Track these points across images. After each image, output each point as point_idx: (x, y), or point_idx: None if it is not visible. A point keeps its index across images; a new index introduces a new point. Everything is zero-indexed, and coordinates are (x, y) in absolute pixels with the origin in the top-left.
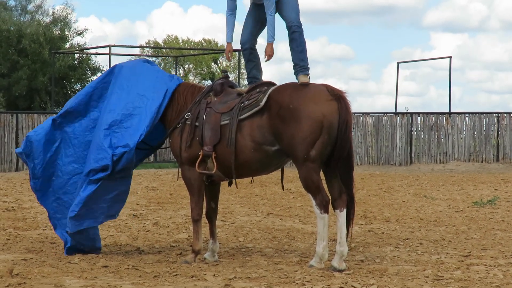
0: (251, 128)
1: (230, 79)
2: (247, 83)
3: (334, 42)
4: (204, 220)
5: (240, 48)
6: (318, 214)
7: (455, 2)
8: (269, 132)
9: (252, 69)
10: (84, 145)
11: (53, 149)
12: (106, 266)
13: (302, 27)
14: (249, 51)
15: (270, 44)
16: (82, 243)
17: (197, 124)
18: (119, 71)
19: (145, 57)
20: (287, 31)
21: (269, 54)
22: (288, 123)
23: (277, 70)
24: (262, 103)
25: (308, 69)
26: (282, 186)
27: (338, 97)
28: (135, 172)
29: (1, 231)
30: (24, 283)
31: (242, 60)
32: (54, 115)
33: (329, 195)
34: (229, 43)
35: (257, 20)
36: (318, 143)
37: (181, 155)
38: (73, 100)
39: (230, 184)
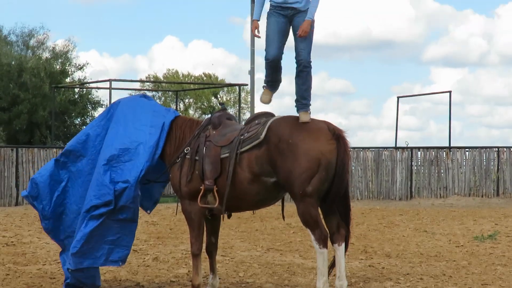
0: (250, 160)
1: (231, 112)
2: (264, 85)
3: (335, 77)
4: (204, 255)
5: (238, 83)
6: (317, 249)
7: (455, 36)
8: (267, 163)
9: (278, 75)
10: (88, 184)
11: (60, 189)
12: None
13: (311, 64)
14: (277, 63)
15: (308, 21)
16: (82, 281)
17: (197, 158)
18: (116, 107)
19: (145, 92)
20: (295, 64)
21: (305, 30)
22: (286, 157)
23: (277, 104)
24: (262, 136)
25: (309, 105)
26: (283, 217)
27: (337, 137)
28: None
29: (0, 266)
30: None
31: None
32: (57, 156)
33: (327, 229)
34: (256, 20)
35: (282, 33)
36: (315, 179)
37: (181, 189)
38: (73, 141)
39: (229, 217)
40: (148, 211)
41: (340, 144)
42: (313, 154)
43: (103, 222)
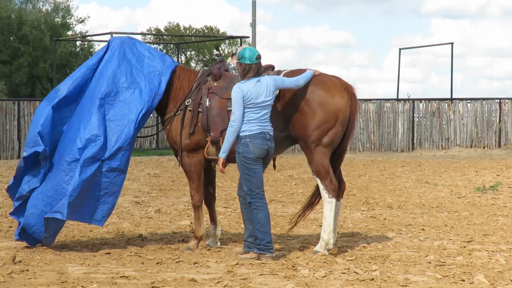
0: None
1: (231, 66)
2: None
3: (335, 29)
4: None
5: (240, 36)
6: (325, 198)
7: None
8: (280, 119)
9: None
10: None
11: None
12: (109, 253)
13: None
14: None
15: (221, 159)
16: (39, 233)
17: (200, 110)
18: (113, 45)
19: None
20: None
21: (220, 170)
22: (303, 112)
23: (278, 57)
24: (277, 91)
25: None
26: (274, 166)
27: (350, 93)
28: (137, 159)
29: (3, 219)
30: (27, 270)
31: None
32: (51, 102)
33: (336, 180)
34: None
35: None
36: (332, 132)
37: (182, 142)
38: (69, 83)
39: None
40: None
41: (352, 100)
42: (331, 109)
43: (95, 172)
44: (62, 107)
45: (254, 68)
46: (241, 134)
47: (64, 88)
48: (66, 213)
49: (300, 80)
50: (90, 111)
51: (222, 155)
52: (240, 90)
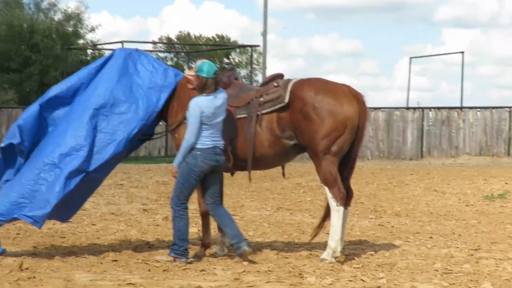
0: (271, 122)
1: (241, 74)
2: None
3: (346, 38)
4: None
5: (250, 44)
6: (333, 207)
7: None
8: (289, 127)
9: None
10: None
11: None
12: (116, 260)
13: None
14: None
15: (173, 167)
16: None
17: None
18: (112, 57)
19: (157, 53)
20: None
21: (172, 173)
22: (312, 120)
23: (289, 66)
24: (286, 100)
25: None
26: (283, 174)
27: (360, 102)
28: (146, 166)
29: (11, 226)
30: (34, 277)
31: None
32: (41, 101)
33: (344, 189)
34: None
35: None
36: (340, 140)
37: None
38: (63, 85)
39: (232, 174)
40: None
41: (361, 108)
42: (340, 118)
43: (78, 182)
44: (51, 106)
45: (212, 83)
46: (194, 146)
47: (56, 88)
48: (41, 224)
49: None
50: (81, 119)
51: (176, 164)
52: (198, 106)
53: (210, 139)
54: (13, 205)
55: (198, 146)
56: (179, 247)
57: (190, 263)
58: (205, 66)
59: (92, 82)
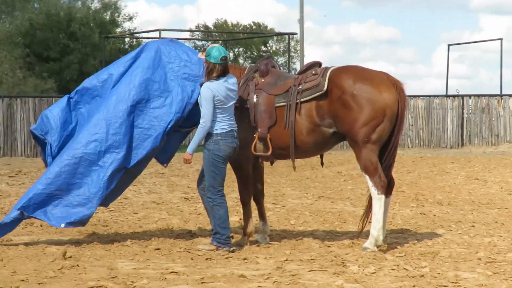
0: (310, 110)
1: (280, 62)
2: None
3: (382, 25)
4: (252, 202)
5: (288, 32)
6: (374, 195)
7: None
8: (328, 115)
9: None
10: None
11: (69, 130)
12: (158, 249)
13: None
14: None
15: (187, 154)
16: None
17: (247, 106)
18: (145, 49)
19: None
20: None
21: (186, 159)
22: (350, 108)
23: (326, 53)
24: (325, 88)
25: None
26: (322, 163)
27: (399, 89)
28: None
29: None
30: (77, 265)
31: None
32: (71, 93)
33: (384, 177)
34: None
35: None
36: (380, 128)
37: None
38: (93, 78)
39: (272, 163)
40: (165, 164)
41: (400, 96)
42: (379, 105)
43: (119, 178)
44: (83, 100)
45: (218, 69)
46: (213, 131)
47: (87, 81)
48: (86, 223)
49: None
50: (118, 115)
51: (190, 151)
52: (210, 89)
53: (226, 123)
54: (46, 197)
55: (217, 131)
56: (221, 235)
57: (233, 251)
58: (213, 51)
59: (126, 75)
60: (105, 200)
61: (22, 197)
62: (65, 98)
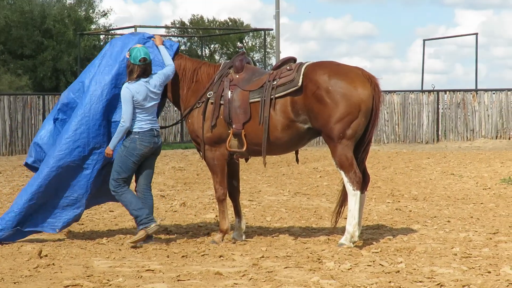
0: (285, 106)
1: (255, 58)
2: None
3: (358, 20)
4: (228, 199)
5: (264, 28)
6: (350, 191)
7: None
8: (303, 111)
9: None
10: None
11: None
12: (134, 247)
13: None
14: None
15: (108, 148)
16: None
17: (222, 102)
18: (113, 45)
19: (170, 38)
20: None
21: (106, 154)
22: (325, 104)
23: (302, 49)
24: (300, 83)
25: None
26: (297, 160)
27: (374, 84)
28: (162, 152)
29: None
30: (53, 264)
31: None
32: (55, 113)
33: (360, 173)
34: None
35: None
36: (355, 123)
37: (204, 135)
38: (67, 91)
39: (247, 160)
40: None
41: (375, 91)
42: (354, 101)
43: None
44: (64, 116)
45: (138, 70)
46: (132, 130)
47: (64, 97)
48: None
49: (167, 64)
50: (96, 118)
51: (111, 146)
52: (129, 90)
53: (146, 122)
54: (33, 210)
55: (136, 130)
56: (141, 216)
57: (159, 225)
58: (134, 52)
59: (96, 75)
60: (95, 198)
61: (9, 212)
62: (51, 120)
